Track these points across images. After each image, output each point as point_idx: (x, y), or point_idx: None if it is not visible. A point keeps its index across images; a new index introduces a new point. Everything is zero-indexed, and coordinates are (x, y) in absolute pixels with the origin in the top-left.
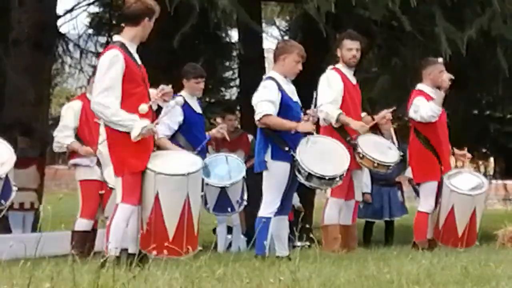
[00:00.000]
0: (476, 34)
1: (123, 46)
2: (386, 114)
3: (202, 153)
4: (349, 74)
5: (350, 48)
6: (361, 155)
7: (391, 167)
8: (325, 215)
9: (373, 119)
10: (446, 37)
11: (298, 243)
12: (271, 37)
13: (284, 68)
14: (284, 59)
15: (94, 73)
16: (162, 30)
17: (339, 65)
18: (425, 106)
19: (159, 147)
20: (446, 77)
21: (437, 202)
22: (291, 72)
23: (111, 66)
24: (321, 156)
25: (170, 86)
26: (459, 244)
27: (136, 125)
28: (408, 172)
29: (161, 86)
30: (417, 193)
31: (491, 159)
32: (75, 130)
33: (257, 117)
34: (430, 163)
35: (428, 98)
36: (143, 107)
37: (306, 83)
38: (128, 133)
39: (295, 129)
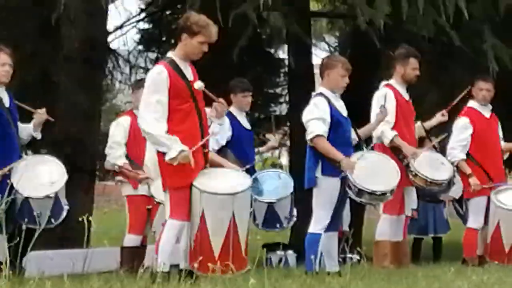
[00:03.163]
0: None
1: (171, 62)
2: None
3: (252, 169)
4: (402, 90)
5: (415, 67)
6: (413, 173)
7: (445, 184)
8: (377, 231)
9: (426, 131)
10: (494, 54)
11: (350, 255)
12: (320, 53)
13: (330, 84)
14: (328, 74)
15: (136, 86)
16: (210, 46)
17: (392, 81)
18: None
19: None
20: None
21: (487, 218)
22: (338, 87)
23: (154, 82)
24: (372, 171)
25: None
26: (506, 260)
27: (174, 148)
28: (452, 192)
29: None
30: (458, 213)
31: None
32: (125, 145)
33: (308, 136)
34: (478, 179)
35: (476, 114)
36: (199, 84)
37: (357, 99)
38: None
39: (338, 162)
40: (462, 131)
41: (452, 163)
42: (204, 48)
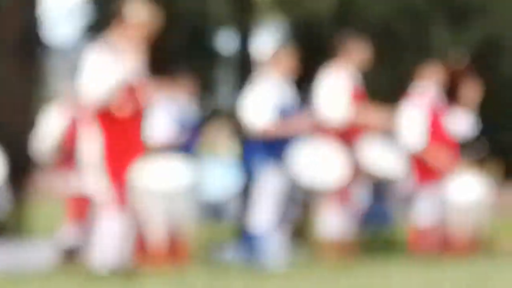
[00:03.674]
0: (477, 39)
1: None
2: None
3: (195, 160)
4: (354, 76)
5: (366, 52)
6: (364, 166)
7: (395, 175)
8: (325, 226)
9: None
10: (444, 42)
11: (293, 254)
12: (265, 41)
13: (277, 72)
14: (275, 61)
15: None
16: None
17: (342, 66)
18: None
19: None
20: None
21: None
22: (285, 73)
23: (91, 69)
24: (318, 164)
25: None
26: (458, 254)
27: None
28: (402, 186)
29: None
30: (407, 208)
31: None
32: (60, 137)
33: (257, 128)
34: (430, 171)
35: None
36: None
37: (304, 84)
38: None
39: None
40: (417, 120)
41: (406, 156)
42: (141, 34)
